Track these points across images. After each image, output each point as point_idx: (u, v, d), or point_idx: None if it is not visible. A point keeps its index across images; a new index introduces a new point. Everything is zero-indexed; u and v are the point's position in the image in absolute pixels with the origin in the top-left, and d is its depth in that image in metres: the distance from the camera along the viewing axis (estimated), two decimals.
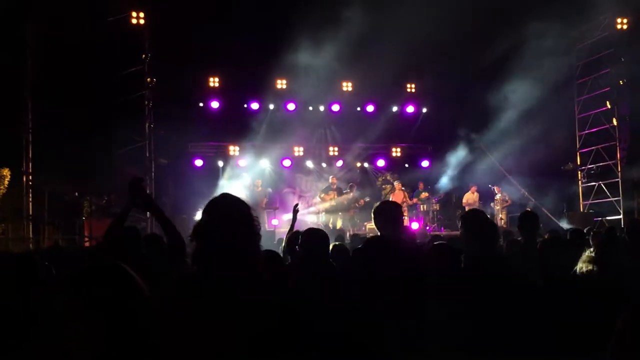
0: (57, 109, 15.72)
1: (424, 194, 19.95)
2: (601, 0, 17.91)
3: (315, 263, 4.65)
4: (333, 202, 18.62)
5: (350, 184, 19.43)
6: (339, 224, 18.49)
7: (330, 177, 19.62)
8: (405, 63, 19.40)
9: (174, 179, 19.17)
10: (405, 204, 18.80)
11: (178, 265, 3.53)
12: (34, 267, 3.72)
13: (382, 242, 4.30)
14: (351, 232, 17.44)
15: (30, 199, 16.61)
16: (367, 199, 18.69)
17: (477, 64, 19.00)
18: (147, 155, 18.13)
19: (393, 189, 20.34)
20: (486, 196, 19.77)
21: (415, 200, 19.94)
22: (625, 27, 18.95)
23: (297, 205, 7.84)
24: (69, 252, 8.13)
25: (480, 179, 20.25)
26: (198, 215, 5.20)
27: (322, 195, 18.98)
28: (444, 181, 21.07)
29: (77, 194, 17.22)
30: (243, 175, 19.92)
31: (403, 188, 19.88)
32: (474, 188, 19.82)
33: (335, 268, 4.91)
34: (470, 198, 19.60)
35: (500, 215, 19.04)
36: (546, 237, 7.50)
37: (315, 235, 4.88)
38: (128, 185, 3.68)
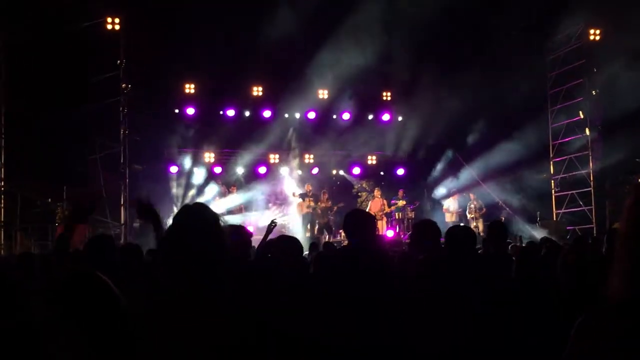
0: (31, 114, 15.57)
1: (402, 202, 19.92)
2: (574, 11, 18.15)
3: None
4: (309, 210, 18.60)
5: (323, 190, 19.42)
6: (315, 231, 18.45)
7: (306, 184, 19.56)
8: (382, 71, 19.53)
9: (148, 185, 19.01)
10: (383, 211, 18.89)
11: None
12: None
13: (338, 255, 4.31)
14: (327, 239, 17.48)
15: (2, 205, 16.43)
16: (342, 205, 18.69)
17: (452, 73, 19.12)
18: (122, 161, 17.98)
19: (369, 197, 20.37)
20: (464, 204, 19.91)
21: (393, 206, 19.87)
22: (597, 37, 19.20)
23: (273, 220, 7.59)
24: (42, 259, 8.01)
25: (455, 186, 20.47)
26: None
27: (300, 202, 18.94)
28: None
29: (50, 199, 17.05)
30: (218, 181, 19.88)
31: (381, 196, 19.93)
32: (456, 195, 20.02)
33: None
34: (451, 204, 19.88)
35: (475, 224, 19.10)
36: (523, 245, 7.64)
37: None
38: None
